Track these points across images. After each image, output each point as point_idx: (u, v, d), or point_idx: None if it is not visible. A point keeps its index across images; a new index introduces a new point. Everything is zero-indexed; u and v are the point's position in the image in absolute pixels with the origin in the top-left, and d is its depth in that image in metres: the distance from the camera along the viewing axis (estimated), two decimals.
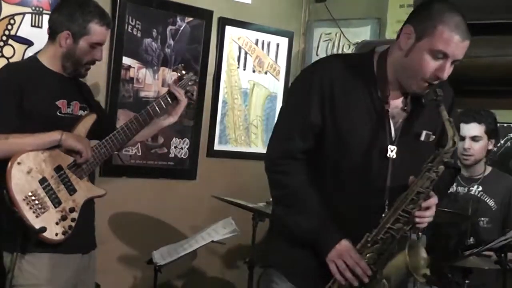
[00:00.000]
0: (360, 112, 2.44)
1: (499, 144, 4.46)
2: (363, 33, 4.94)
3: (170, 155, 4.56)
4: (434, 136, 2.51)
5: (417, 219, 2.41)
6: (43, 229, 2.88)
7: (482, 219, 3.84)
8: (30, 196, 2.88)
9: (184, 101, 3.32)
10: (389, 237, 2.41)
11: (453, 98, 2.61)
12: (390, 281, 2.40)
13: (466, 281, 3.34)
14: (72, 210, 3.00)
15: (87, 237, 3.15)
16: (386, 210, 2.44)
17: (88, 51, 3.08)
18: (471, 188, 3.93)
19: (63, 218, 2.96)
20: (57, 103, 3.05)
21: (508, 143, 4.45)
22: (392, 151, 2.44)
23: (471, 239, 3.55)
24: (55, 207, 2.95)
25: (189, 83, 3.40)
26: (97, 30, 3.08)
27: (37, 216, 2.88)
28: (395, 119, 2.48)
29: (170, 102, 3.30)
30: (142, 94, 4.39)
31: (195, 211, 4.64)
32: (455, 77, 4.32)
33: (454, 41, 2.36)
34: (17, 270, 2.91)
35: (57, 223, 2.94)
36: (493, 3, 4.33)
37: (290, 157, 2.47)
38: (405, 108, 2.50)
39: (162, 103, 3.29)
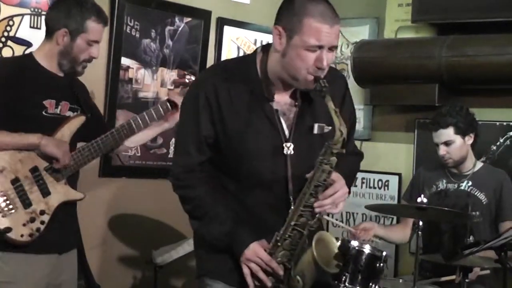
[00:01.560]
0: (249, 116, 2.47)
1: (498, 143, 4.47)
2: (361, 33, 4.95)
3: (169, 156, 4.56)
4: (330, 128, 2.49)
5: (317, 209, 2.44)
6: (8, 229, 2.88)
7: (473, 213, 3.85)
8: None
9: None
10: (296, 233, 2.45)
11: (346, 86, 2.63)
12: (304, 277, 2.43)
13: (466, 280, 3.34)
14: (42, 212, 2.97)
15: (64, 237, 3.10)
16: (292, 206, 2.47)
17: (85, 49, 3.07)
18: (461, 184, 3.95)
19: (32, 220, 2.94)
20: (44, 102, 3.02)
21: (508, 142, 4.46)
22: (288, 148, 2.48)
23: (471, 238, 3.55)
24: (25, 208, 2.93)
25: None
26: (94, 28, 3.06)
27: (3, 216, 2.88)
28: (286, 116, 2.51)
29: (170, 109, 3.28)
30: (141, 94, 4.40)
31: None
32: (454, 76, 4.38)
33: (324, 31, 2.34)
34: None
35: (24, 225, 2.92)
36: (491, 2, 4.33)
37: (190, 171, 2.53)
38: (296, 103, 2.52)
39: (161, 110, 3.27)
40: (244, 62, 2.57)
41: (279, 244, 2.46)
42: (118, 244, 4.37)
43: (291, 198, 2.48)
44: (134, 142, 3.36)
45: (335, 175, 2.46)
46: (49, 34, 3.08)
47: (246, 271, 2.46)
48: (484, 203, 3.90)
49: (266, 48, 2.54)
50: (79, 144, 3.18)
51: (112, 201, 4.32)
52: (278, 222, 2.47)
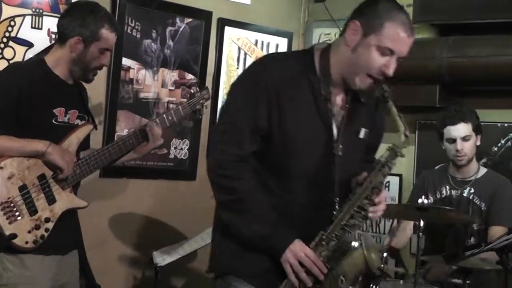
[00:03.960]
0: (305, 112, 2.46)
1: (499, 144, 4.47)
2: None
3: (170, 156, 4.56)
4: (369, 133, 2.58)
5: (371, 214, 2.47)
6: (13, 236, 2.89)
7: (474, 217, 3.84)
8: (6, 202, 2.89)
9: (153, 144, 3.29)
10: (343, 234, 2.45)
11: (377, 103, 2.66)
12: (347, 278, 2.43)
13: (467, 281, 3.34)
14: (47, 220, 2.98)
15: (67, 238, 3.12)
16: (337, 207, 2.47)
17: (97, 57, 3.08)
18: (463, 191, 3.91)
19: (37, 227, 2.95)
20: (54, 110, 3.03)
21: (509, 143, 4.45)
22: (337, 148, 2.48)
23: (472, 239, 3.55)
24: (31, 216, 2.94)
25: (201, 102, 3.36)
26: (107, 36, 3.08)
27: (10, 223, 2.89)
28: (336, 117, 2.52)
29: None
30: (142, 95, 4.40)
31: (195, 211, 4.63)
32: (455, 77, 4.37)
33: (401, 38, 2.41)
34: (1, 269, 2.94)
35: (29, 232, 2.93)
36: (493, 3, 4.33)
37: (238, 161, 2.45)
38: (346, 105, 2.54)
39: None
40: (303, 57, 2.55)
41: (323, 243, 2.44)
42: (118, 244, 4.37)
43: (337, 198, 2.48)
44: (128, 157, 3.38)
45: None
46: (62, 40, 3.08)
47: (288, 269, 2.41)
48: (483, 209, 3.87)
49: (324, 46, 2.55)
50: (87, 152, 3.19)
51: (113, 202, 4.32)
52: (318, 222, 2.46)
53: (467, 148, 3.83)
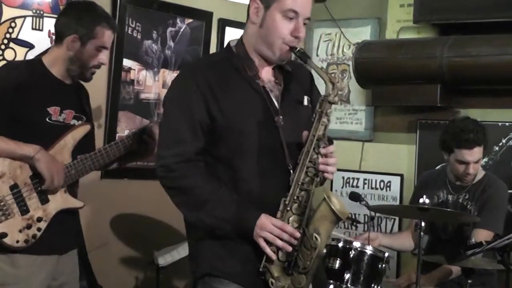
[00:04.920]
0: (241, 94, 2.54)
1: (500, 144, 4.46)
2: (363, 33, 4.94)
3: None
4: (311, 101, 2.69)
5: (321, 167, 2.49)
6: (3, 235, 2.88)
7: (467, 227, 3.81)
8: None
9: (155, 145, 3.19)
10: (304, 194, 2.49)
11: (311, 77, 2.76)
12: (320, 234, 2.45)
13: (469, 281, 3.34)
14: (40, 219, 2.97)
15: (64, 238, 3.09)
16: (291, 172, 2.52)
17: (95, 54, 3.07)
18: (459, 196, 3.90)
19: (28, 226, 2.94)
20: (48, 109, 3.02)
21: (510, 142, 4.45)
22: (279, 121, 2.55)
23: (473, 239, 3.54)
24: (22, 215, 2.93)
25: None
26: (104, 33, 3.07)
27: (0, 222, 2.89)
28: (274, 92, 2.61)
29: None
30: (143, 96, 4.40)
31: None
32: (456, 76, 4.38)
33: None
34: None
35: (20, 231, 2.92)
36: (493, 2, 4.33)
37: (186, 161, 2.48)
38: (277, 80, 2.64)
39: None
40: (223, 53, 2.68)
41: (288, 209, 2.48)
42: (120, 245, 4.38)
43: (290, 166, 2.53)
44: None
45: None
46: (59, 39, 3.08)
47: (262, 243, 2.44)
48: (475, 214, 3.85)
49: (237, 40, 2.66)
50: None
51: (114, 203, 4.33)
52: (279, 196, 2.49)
53: (477, 168, 3.82)
